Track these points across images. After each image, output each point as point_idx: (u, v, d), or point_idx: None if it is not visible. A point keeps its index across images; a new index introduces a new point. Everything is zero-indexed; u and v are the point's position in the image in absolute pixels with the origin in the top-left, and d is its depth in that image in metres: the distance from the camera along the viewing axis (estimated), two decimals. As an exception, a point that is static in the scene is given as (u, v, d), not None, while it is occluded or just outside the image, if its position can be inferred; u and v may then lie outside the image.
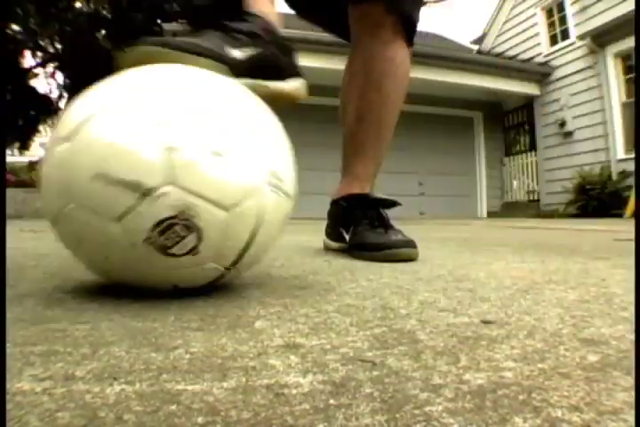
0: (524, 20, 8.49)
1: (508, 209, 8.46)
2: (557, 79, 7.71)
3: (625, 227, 2.90)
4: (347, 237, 1.14)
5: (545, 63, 7.95)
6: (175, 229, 0.51)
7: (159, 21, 8.51)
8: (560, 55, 7.70)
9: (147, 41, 0.71)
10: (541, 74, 7.91)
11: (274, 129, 0.62)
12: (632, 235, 1.68)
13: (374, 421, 0.25)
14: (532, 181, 8.32)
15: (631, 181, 6.10)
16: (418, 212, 8.05)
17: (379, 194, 1.17)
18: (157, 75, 0.60)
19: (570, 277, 0.77)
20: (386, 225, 1.09)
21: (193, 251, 0.52)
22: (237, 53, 0.73)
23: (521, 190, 8.58)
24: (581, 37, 7.07)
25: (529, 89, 7.96)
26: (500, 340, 0.41)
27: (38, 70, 10.09)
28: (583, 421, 0.25)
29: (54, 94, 10.75)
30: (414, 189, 8.24)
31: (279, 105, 0.70)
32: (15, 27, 8.43)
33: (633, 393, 0.28)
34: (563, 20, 7.73)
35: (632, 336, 0.41)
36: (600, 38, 6.80)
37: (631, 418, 0.25)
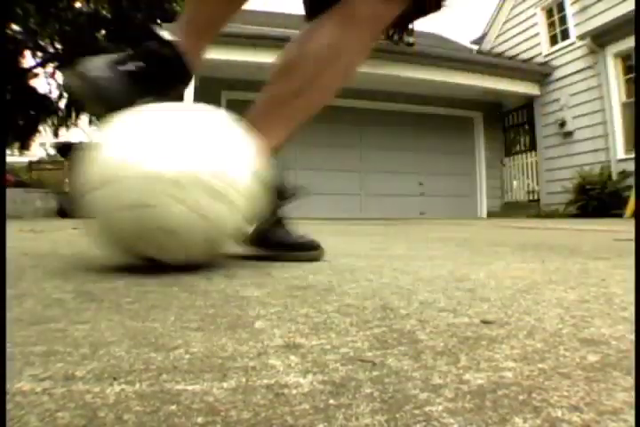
0: (524, 20, 8.48)
1: (508, 209, 8.46)
2: (557, 79, 7.70)
3: (625, 227, 2.90)
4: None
5: (545, 63, 7.95)
6: None
7: (159, 21, 8.52)
8: (560, 55, 7.69)
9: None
10: (541, 74, 7.91)
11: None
12: (632, 235, 1.68)
13: (374, 421, 0.25)
14: (532, 181, 8.32)
15: (631, 181, 6.10)
16: (418, 212, 8.05)
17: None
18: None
19: (570, 277, 0.77)
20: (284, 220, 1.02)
21: None
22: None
23: (521, 190, 8.57)
24: (581, 37, 7.07)
25: (529, 89, 7.95)
26: (499, 340, 0.41)
27: (38, 70, 10.10)
28: (583, 421, 0.25)
29: (54, 94, 10.77)
30: (414, 189, 8.25)
31: None
32: (15, 27, 8.43)
33: (633, 393, 0.28)
34: (563, 20, 7.73)
35: (632, 336, 0.41)
36: (600, 38, 6.80)
37: (631, 418, 0.25)
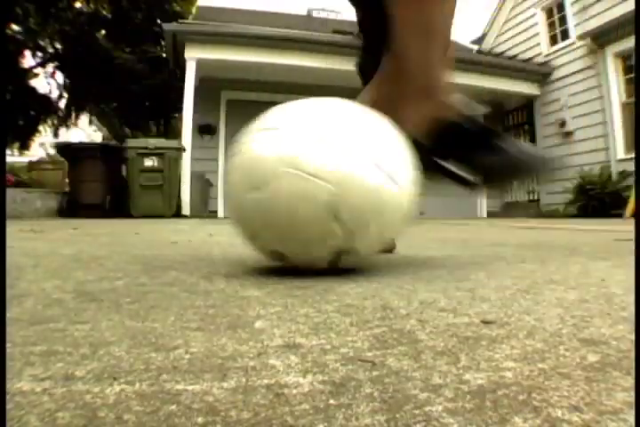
0: (524, 20, 8.49)
1: (508, 209, 8.46)
2: (557, 79, 7.71)
3: (625, 227, 2.90)
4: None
5: (545, 63, 7.95)
6: None
7: (159, 21, 8.52)
8: (560, 55, 7.70)
9: None
10: (541, 74, 7.91)
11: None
12: (632, 235, 1.68)
13: (374, 421, 0.25)
14: (532, 180, 8.33)
15: (631, 181, 6.10)
16: (418, 212, 8.04)
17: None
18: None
19: (570, 277, 0.77)
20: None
21: None
22: None
23: (521, 190, 8.58)
24: (581, 37, 7.08)
25: (529, 89, 7.96)
26: (499, 340, 0.41)
27: (38, 70, 10.10)
28: (583, 421, 0.25)
29: (54, 94, 10.77)
30: (414, 189, 8.25)
31: None
32: (15, 27, 8.43)
33: (633, 393, 0.28)
34: (563, 20, 7.73)
35: (632, 336, 0.41)
36: (600, 38, 6.80)
37: (631, 418, 0.25)
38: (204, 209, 6.76)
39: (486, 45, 9.46)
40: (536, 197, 8.16)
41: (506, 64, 7.97)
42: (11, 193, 5.42)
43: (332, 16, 11.32)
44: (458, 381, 0.31)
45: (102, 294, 0.61)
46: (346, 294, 0.61)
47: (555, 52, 7.82)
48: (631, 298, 0.58)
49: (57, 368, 0.33)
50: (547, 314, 0.50)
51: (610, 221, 4.30)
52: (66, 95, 10.61)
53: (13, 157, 11.58)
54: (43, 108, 10.25)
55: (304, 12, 11.61)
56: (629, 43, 6.18)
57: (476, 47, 9.85)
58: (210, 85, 7.25)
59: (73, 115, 11.08)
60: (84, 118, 12.27)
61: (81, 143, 6.62)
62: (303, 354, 0.37)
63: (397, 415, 0.26)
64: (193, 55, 6.57)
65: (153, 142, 5.66)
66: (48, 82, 10.85)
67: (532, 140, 8.27)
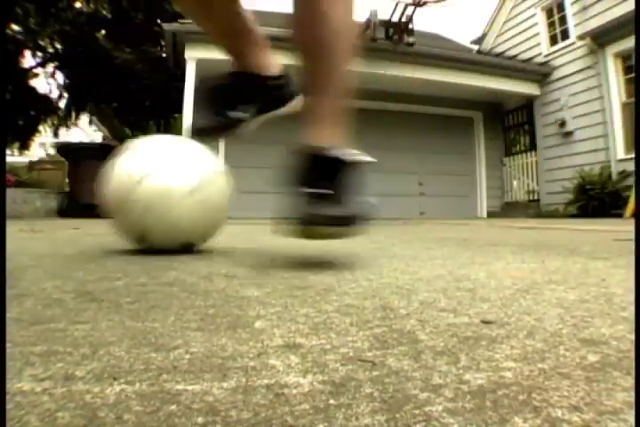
0: (524, 20, 8.48)
1: (508, 209, 8.46)
2: (557, 79, 7.70)
3: (625, 227, 2.90)
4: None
5: (545, 63, 7.95)
6: None
7: (159, 21, 8.52)
8: (560, 55, 7.69)
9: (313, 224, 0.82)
10: (541, 74, 7.91)
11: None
12: (632, 235, 1.68)
13: (374, 421, 0.25)
14: (532, 181, 8.32)
15: (631, 181, 6.10)
16: (418, 212, 8.04)
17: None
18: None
19: (570, 277, 0.77)
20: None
21: None
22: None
23: (521, 190, 8.57)
24: (581, 37, 7.07)
25: (529, 89, 7.95)
26: (499, 340, 0.41)
27: (38, 70, 10.10)
28: (583, 421, 0.25)
29: (54, 94, 10.78)
30: (414, 189, 8.24)
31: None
32: (15, 27, 8.43)
33: (633, 393, 0.28)
34: (563, 20, 7.73)
35: (632, 336, 0.41)
36: (600, 38, 6.80)
37: (631, 418, 0.25)
38: (204, 209, 6.75)
39: (486, 45, 9.45)
40: (536, 197, 8.15)
41: (506, 64, 7.97)
42: (11, 193, 5.42)
43: (331, 16, 11.27)
44: (458, 381, 0.31)
45: (102, 294, 0.61)
46: (346, 294, 0.61)
47: (555, 52, 7.82)
48: (631, 298, 0.58)
49: (57, 368, 0.33)
50: (547, 314, 0.50)
51: (610, 221, 4.30)
52: (66, 95, 10.61)
53: (13, 157, 11.57)
54: (43, 108, 10.25)
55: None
56: (629, 43, 6.18)
57: (476, 47, 9.85)
58: (210, 85, 7.24)
59: (73, 115, 11.08)
60: (84, 118, 12.27)
61: (81, 143, 6.62)
62: (303, 354, 0.37)
63: (397, 415, 0.26)
64: (193, 55, 6.57)
65: (153, 142, 5.65)
66: (48, 82, 10.85)
67: (532, 140, 8.27)
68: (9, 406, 0.27)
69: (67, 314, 0.50)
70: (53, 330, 0.43)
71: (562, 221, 5.13)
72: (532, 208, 7.90)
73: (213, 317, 0.49)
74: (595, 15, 6.95)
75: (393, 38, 6.72)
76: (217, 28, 1.10)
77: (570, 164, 7.29)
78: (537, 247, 1.42)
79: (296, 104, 1.14)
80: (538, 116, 8.08)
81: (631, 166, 6.02)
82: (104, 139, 13.57)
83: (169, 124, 11.82)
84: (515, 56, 8.57)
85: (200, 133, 1.15)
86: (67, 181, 7.04)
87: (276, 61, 1.17)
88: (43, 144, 15.78)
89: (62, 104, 10.80)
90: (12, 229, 2.32)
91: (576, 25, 7.36)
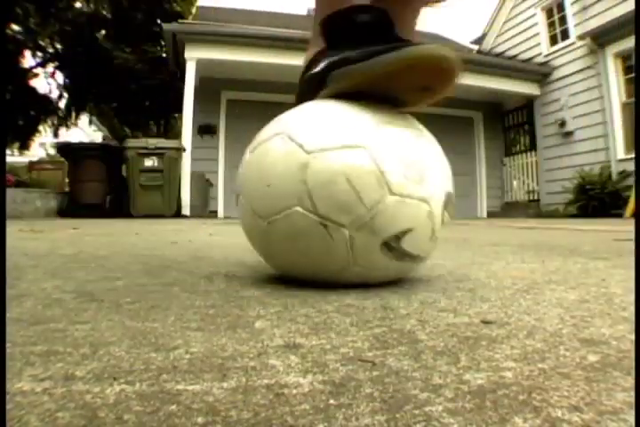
0: (524, 20, 8.48)
1: (508, 209, 8.46)
2: (557, 79, 7.70)
3: (625, 227, 2.90)
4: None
5: (545, 63, 7.95)
6: None
7: (159, 21, 8.52)
8: (560, 55, 7.69)
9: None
10: (541, 74, 7.91)
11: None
12: (632, 235, 1.68)
13: (374, 421, 0.25)
14: (532, 181, 8.32)
15: (631, 181, 6.09)
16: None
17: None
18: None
19: (570, 277, 0.77)
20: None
21: None
22: None
23: (521, 190, 8.57)
24: (581, 37, 7.07)
25: (529, 89, 7.95)
26: (500, 340, 0.41)
27: (38, 70, 10.10)
28: (583, 421, 0.25)
29: (54, 94, 10.78)
30: (414, 189, 8.24)
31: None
32: (15, 27, 8.43)
33: (633, 393, 0.28)
34: (563, 20, 7.73)
35: (632, 336, 0.41)
36: (600, 38, 6.80)
37: (631, 418, 0.25)
38: (204, 209, 6.76)
39: (486, 45, 9.45)
40: (536, 197, 8.15)
41: (506, 64, 7.97)
42: (11, 193, 5.42)
43: (331, 16, 11.26)
44: (458, 381, 0.31)
45: (102, 294, 0.61)
46: (346, 294, 0.61)
47: (555, 52, 7.81)
48: (631, 298, 0.58)
49: (57, 368, 0.33)
50: (547, 314, 0.50)
51: (610, 221, 4.30)
52: (66, 95, 10.61)
53: (13, 157, 11.58)
54: (43, 108, 10.25)
55: (304, 12, 11.61)
56: (629, 43, 6.18)
57: (476, 47, 9.85)
58: (210, 85, 7.24)
59: (73, 115, 11.08)
60: (84, 118, 12.26)
61: (81, 143, 6.61)
62: (303, 354, 0.37)
63: (397, 415, 0.26)
64: (193, 55, 6.57)
65: (153, 142, 5.66)
66: (48, 82, 10.85)
67: (532, 140, 8.27)
68: (9, 406, 0.27)
69: (67, 314, 0.50)
70: (53, 330, 0.43)
71: (562, 221, 5.12)
72: (532, 208, 7.90)
73: (213, 317, 0.49)
74: (595, 15, 6.95)
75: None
76: None
77: (570, 164, 7.29)
78: (537, 247, 1.42)
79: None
80: (538, 116, 8.08)
81: (631, 166, 6.02)
82: (104, 139, 13.57)
83: (169, 124, 11.81)
84: (515, 56, 8.57)
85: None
86: (67, 181, 7.04)
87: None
88: (43, 144, 15.79)
89: (62, 104, 10.81)
90: (11, 229, 2.32)
91: (576, 25, 7.36)
